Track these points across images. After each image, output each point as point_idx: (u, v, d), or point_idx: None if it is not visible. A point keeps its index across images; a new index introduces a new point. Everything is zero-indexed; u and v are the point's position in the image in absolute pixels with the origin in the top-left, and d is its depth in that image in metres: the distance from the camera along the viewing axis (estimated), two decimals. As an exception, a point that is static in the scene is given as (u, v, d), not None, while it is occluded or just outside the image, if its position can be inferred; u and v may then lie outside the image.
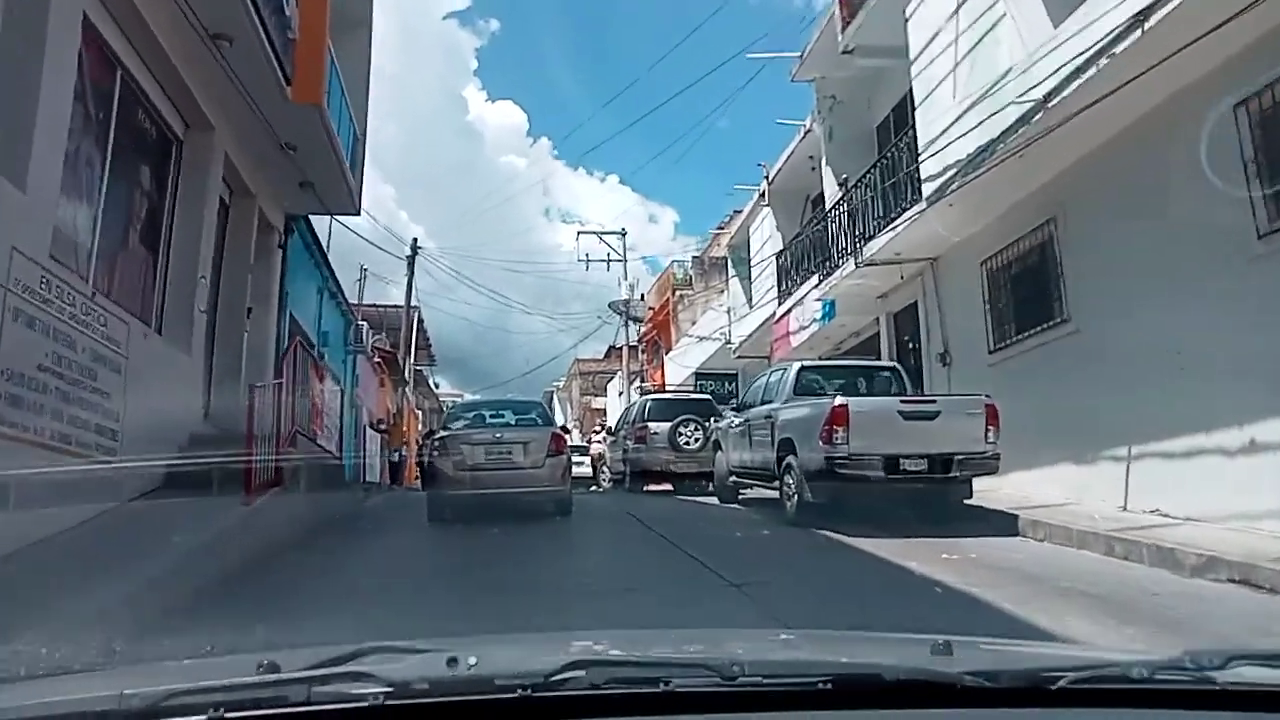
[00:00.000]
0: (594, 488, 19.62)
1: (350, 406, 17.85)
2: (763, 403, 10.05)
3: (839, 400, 7.97)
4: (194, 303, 8.40)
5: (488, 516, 8.86)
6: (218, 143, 8.73)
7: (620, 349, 41.83)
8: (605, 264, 31.99)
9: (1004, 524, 7.98)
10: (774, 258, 16.70)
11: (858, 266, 11.86)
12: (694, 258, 27.97)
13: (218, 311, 9.98)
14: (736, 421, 10.82)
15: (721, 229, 28.10)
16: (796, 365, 9.65)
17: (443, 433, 9.93)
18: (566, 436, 10.36)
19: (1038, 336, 9.53)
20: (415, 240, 23.57)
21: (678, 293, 27.48)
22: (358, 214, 12.11)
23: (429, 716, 1.05)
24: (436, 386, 48.94)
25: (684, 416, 13.29)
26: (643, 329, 31.77)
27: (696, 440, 13.10)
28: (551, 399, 59.71)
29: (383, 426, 17.26)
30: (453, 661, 1.19)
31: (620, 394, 37.18)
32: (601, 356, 49.43)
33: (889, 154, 11.34)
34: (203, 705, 1.03)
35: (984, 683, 1.15)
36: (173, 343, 8.18)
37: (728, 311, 20.08)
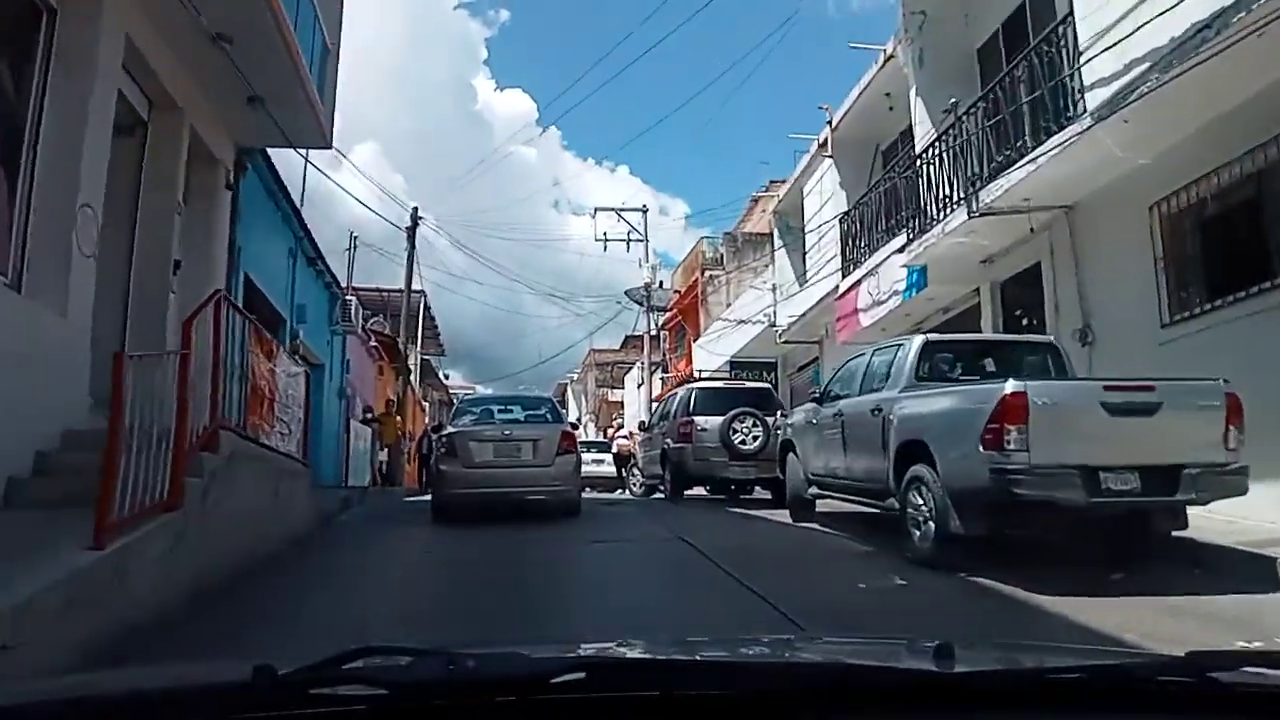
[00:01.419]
0: (621, 492, 16.92)
1: (337, 395, 15.38)
2: (864, 391, 7.45)
3: (1012, 385, 5.35)
4: (71, 243, 5.86)
5: (495, 531, 7.47)
6: (110, 19, 6.17)
7: (639, 338, 39.39)
8: (625, 243, 29.59)
9: (1253, 571, 5.34)
10: (836, 221, 14.04)
11: (971, 217, 9.19)
12: (726, 234, 25.29)
13: (133, 265, 7.49)
14: (819, 417, 8.22)
15: (757, 200, 25.44)
16: (919, 340, 7.01)
17: (450, 429, 9.61)
18: (576, 434, 10.17)
19: (1253, 300, 6.89)
20: (416, 209, 20.98)
21: (707, 273, 24.79)
22: (328, 146, 9.54)
23: (427, 719, 1.01)
24: (446, 378, 46.73)
25: (740, 410, 10.65)
26: (667, 313, 29.19)
27: (756, 439, 10.47)
28: (565, 392, 57.27)
29: (369, 416, 14.53)
30: (452, 664, 1.09)
31: (639, 385, 34.66)
32: (618, 347, 46.92)
33: (1029, 60, 8.56)
34: (200, 707, 1.02)
35: (987, 685, 1.13)
36: (37, 299, 5.67)
37: (773, 289, 17.41)
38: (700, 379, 12.47)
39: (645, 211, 29.64)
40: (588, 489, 20.25)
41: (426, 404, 35.82)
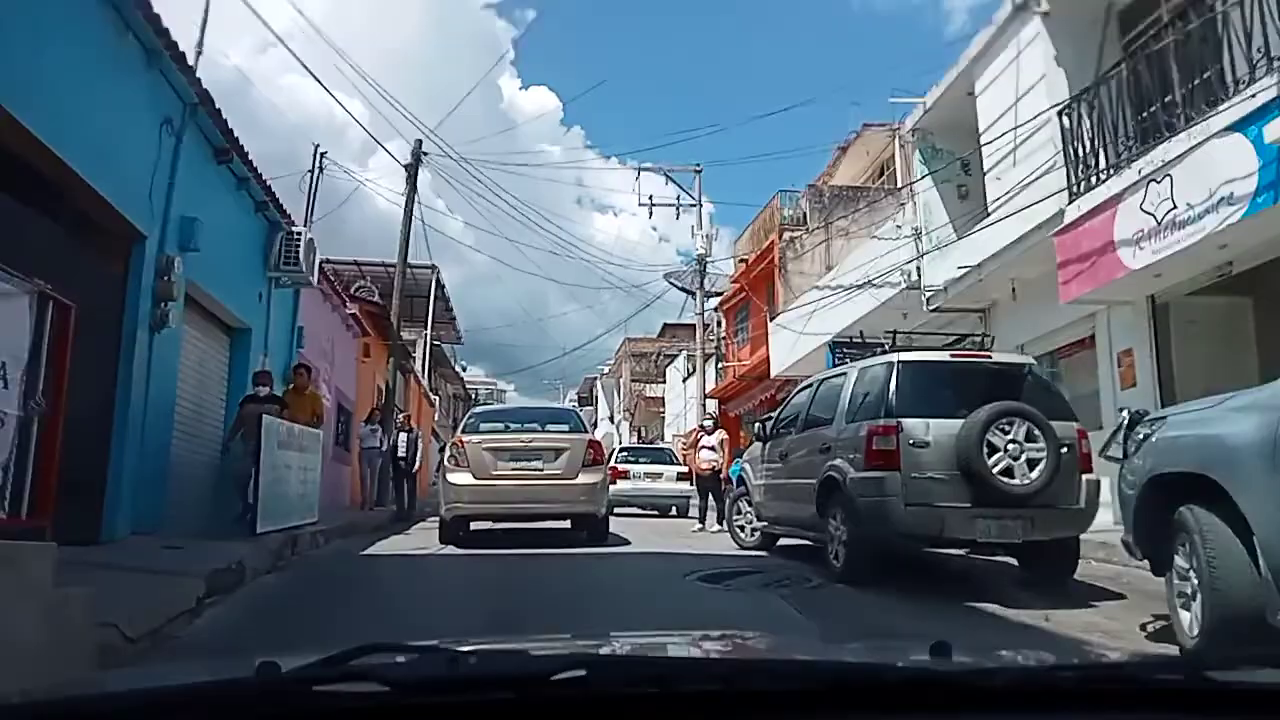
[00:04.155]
0: (697, 529, 11.48)
1: (282, 379, 10.46)
2: None
3: None
4: None
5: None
6: None
7: (681, 326, 34.42)
8: (675, 209, 24.69)
9: None
10: (1056, 115, 8.89)
11: None
12: (809, 186, 20.09)
13: None
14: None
15: (846, 149, 20.27)
16: None
17: (461, 436, 8.91)
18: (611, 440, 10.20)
19: None
20: (420, 142, 15.97)
21: (786, 234, 19.62)
22: None
23: (429, 716, 0.98)
24: (464, 370, 42.12)
25: (1003, 409, 5.37)
26: (729, 289, 24.15)
27: (1036, 465, 5.28)
28: (594, 388, 52.17)
29: (263, 391, 8.57)
30: (453, 661, 1.10)
31: (685, 379, 29.72)
32: (656, 335, 41.88)
33: None
34: (203, 704, 0.98)
35: (985, 683, 1.11)
36: None
37: (916, 237, 12.25)
38: (893, 348, 6.49)
39: (700, 171, 24.70)
40: (645, 511, 15.43)
41: (437, 397, 30.95)
